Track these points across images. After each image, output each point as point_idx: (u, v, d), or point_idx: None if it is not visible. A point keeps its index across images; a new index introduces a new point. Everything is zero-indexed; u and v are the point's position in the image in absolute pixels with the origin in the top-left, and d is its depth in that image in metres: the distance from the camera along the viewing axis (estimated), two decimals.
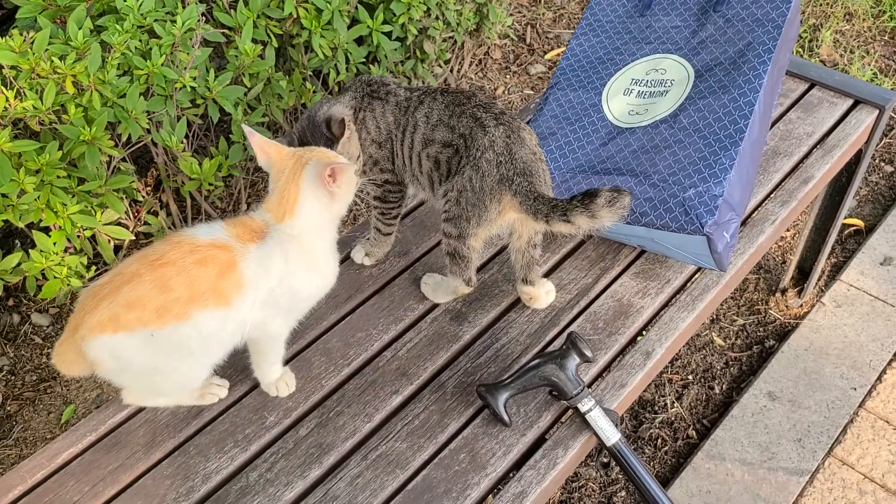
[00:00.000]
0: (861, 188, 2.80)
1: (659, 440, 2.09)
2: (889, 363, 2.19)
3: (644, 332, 1.47)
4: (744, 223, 1.65)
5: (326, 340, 1.45)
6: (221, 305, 1.20)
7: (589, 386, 1.38)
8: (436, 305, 1.51)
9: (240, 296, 1.21)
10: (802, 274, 2.38)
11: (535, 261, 1.44)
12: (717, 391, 2.20)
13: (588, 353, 1.31)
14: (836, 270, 2.48)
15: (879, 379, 2.16)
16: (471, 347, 1.44)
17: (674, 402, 2.17)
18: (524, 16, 3.52)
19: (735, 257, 1.58)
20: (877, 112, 1.89)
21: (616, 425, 1.32)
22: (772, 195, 1.72)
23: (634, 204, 1.45)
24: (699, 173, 1.44)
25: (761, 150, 1.60)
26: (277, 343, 1.33)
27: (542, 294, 1.49)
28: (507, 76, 3.33)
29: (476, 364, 1.41)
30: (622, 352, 1.44)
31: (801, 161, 1.79)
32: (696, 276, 1.56)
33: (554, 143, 1.60)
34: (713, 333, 2.35)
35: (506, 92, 3.25)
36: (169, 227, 2.56)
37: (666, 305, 1.52)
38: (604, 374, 1.41)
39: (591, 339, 1.44)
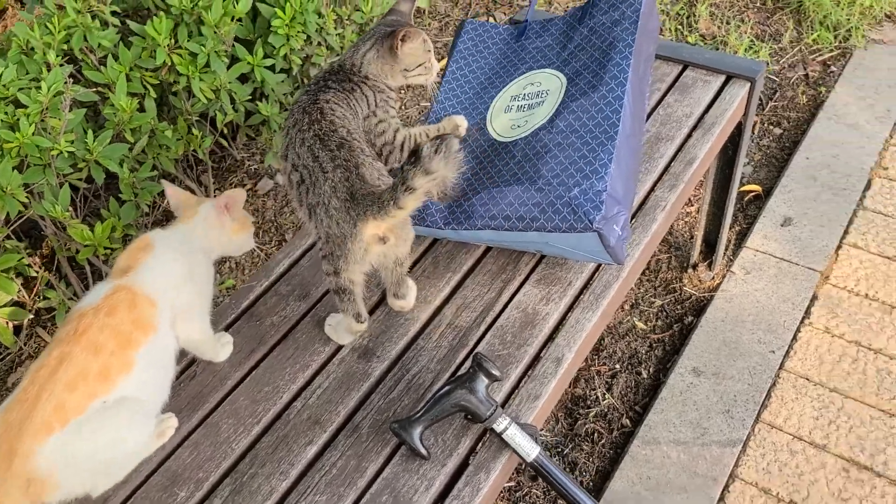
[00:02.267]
0: (755, 153, 2.88)
1: (595, 434, 2.11)
2: (801, 321, 2.26)
3: (552, 339, 1.47)
4: (636, 213, 1.68)
5: (233, 401, 1.40)
6: (150, 333, 1.27)
7: (504, 402, 1.37)
8: (343, 346, 1.48)
9: (157, 311, 1.29)
10: (709, 247, 2.44)
11: (404, 276, 1.46)
12: (645, 375, 2.23)
13: (496, 373, 1.30)
14: (742, 238, 2.55)
15: (795, 338, 2.22)
16: (382, 383, 1.41)
17: (605, 394, 2.18)
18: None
19: (631, 248, 1.60)
20: (748, 85, 1.94)
21: (535, 439, 1.31)
22: (660, 181, 1.74)
23: (524, 210, 1.46)
24: (581, 172, 1.46)
25: (640, 141, 1.63)
26: (207, 340, 1.43)
27: (412, 298, 1.52)
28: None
29: (389, 399, 1.38)
30: (533, 362, 1.44)
31: (684, 143, 1.83)
32: (597, 273, 1.57)
33: None
34: (634, 319, 2.38)
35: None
36: (70, 299, 2.45)
37: (571, 308, 1.52)
38: (518, 388, 1.40)
39: (501, 354, 1.44)
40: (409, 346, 1.47)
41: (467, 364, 1.43)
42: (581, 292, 1.55)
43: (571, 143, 1.49)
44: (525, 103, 1.61)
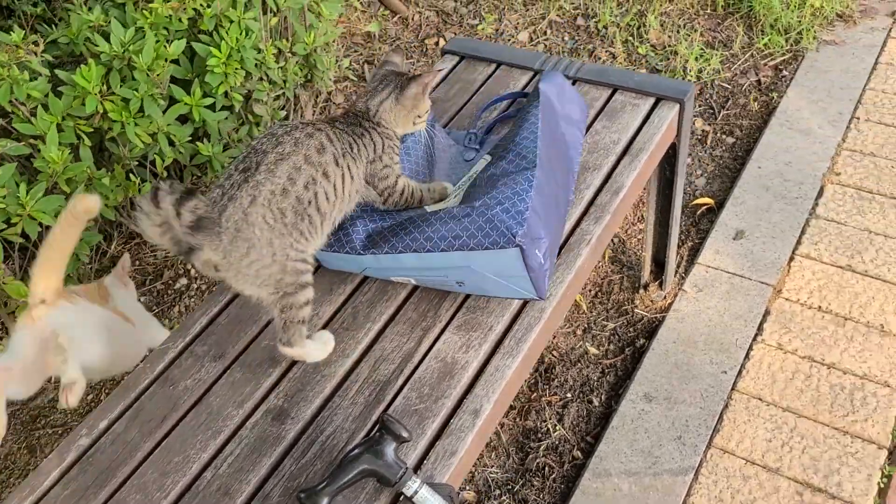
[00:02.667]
0: (708, 164, 2.85)
1: (546, 468, 2.06)
2: (754, 338, 2.22)
3: (471, 390, 1.43)
4: (561, 248, 1.64)
5: (142, 474, 1.36)
6: None
7: (420, 461, 1.33)
8: (256, 408, 1.44)
9: None
10: (659, 266, 2.40)
11: (293, 321, 1.41)
12: (597, 403, 2.19)
13: (404, 434, 1.26)
14: (695, 254, 2.51)
15: (747, 356, 2.18)
16: (295, 447, 1.37)
17: (556, 425, 2.14)
18: (361, 54, 3.48)
19: (555, 286, 1.56)
20: (678, 106, 1.91)
21: (452, 499, 1.27)
22: (586, 213, 1.71)
23: (446, 229, 1.45)
24: (503, 194, 1.46)
25: (567, 191, 1.62)
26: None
27: (309, 349, 1.47)
28: None
29: (301, 465, 1.34)
30: (451, 416, 1.39)
31: (611, 171, 1.79)
32: (519, 316, 1.53)
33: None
34: (587, 344, 2.34)
35: None
36: None
37: (491, 355, 1.48)
38: (434, 445, 1.36)
39: (418, 409, 1.39)
40: (324, 404, 1.43)
41: None
42: (502, 337, 1.50)
43: (492, 184, 1.50)
44: (459, 190, 1.65)
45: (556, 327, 1.61)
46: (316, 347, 1.49)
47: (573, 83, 2.02)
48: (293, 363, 1.50)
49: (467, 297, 1.57)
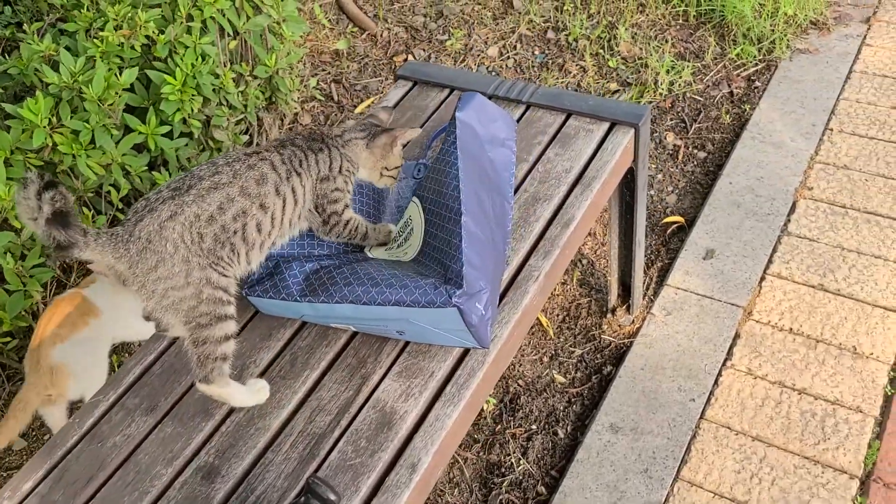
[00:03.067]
0: (679, 180, 2.79)
1: None
2: (723, 364, 2.16)
3: (410, 441, 1.37)
4: (508, 287, 1.57)
5: None
6: None
7: None
8: (185, 466, 1.37)
9: None
10: (627, 289, 2.34)
11: (210, 357, 1.35)
12: (562, 435, 2.13)
13: (331, 497, 1.20)
14: (664, 275, 2.45)
15: (716, 383, 2.12)
16: None
17: (520, 459, 2.08)
18: (329, 73, 3.42)
19: (500, 327, 1.50)
20: (632, 131, 1.85)
21: None
22: (535, 248, 1.65)
23: (385, 284, 1.39)
24: (435, 251, 1.44)
25: (505, 220, 1.56)
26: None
27: (234, 391, 1.41)
28: None
29: None
30: (388, 471, 1.33)
31: (563, 202, 1.73)
32: (463, 360, 1.47)
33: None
34: (553, 371, 2.28)
35: None
36: None
37: (432, 403, 1.42)
38: (371, 502, 1.29)
39: (353, 464, 1.33)
40: (257, 460, 1.37)
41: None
42: (444, 384, 1.44)
43: (424, 242, 1.49)
44: (400, 237, 1.59)
45: (504, 370, 1.54)
46: (242, 391, 1.42)
47: (526, 108, 1.97)
48: (227, 415, 1.44)
49: (409, 342, 1.51)
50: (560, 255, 1.64)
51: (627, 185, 1.97)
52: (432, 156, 1.86)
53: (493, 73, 3.27)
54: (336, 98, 3.34)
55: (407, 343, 1.50)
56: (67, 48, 2.41)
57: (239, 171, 1.40)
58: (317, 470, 1.34)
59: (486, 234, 1.43)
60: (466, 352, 1.49)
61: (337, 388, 1.45)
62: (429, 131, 1.94)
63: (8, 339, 2.29)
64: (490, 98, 2.01)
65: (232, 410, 1.45)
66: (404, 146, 1.64)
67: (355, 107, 3.30)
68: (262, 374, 1.50)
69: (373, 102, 3.24)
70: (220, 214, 1.36)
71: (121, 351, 2.49)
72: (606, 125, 1.88)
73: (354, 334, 1.54)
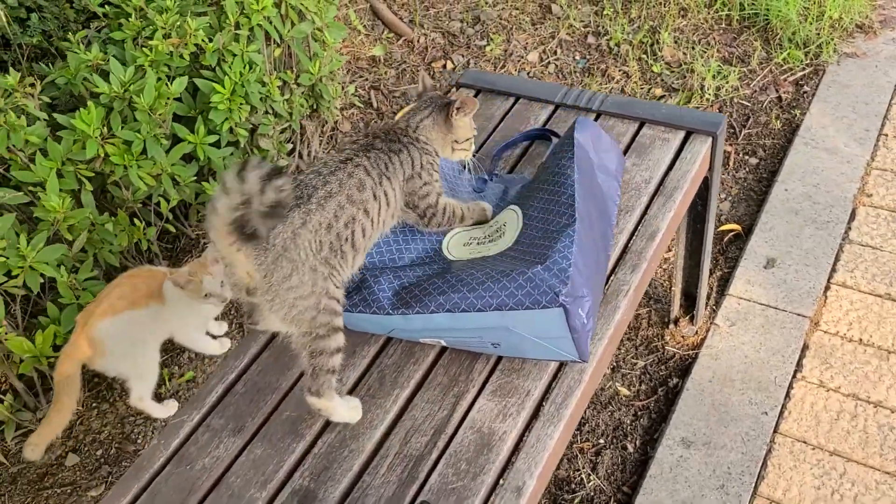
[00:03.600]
0: (732, 187, 2.75)
1: None
2: (794, 375, 2.12)
3: (511, 463, 1.32)
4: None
5: None
6: None
7: None
8: (280, 489, 1.33)
9: None
10: (690, 300, 2.29)
11: (323, 369, 1.34)
12: (632, 449, 2.08)
13: None
14: (724, 284, 2.41)
15: (788, 396, 2.08)
16: None
17: (590, 475, 2.04)
18: (366, 80, 3.39)
19: (594, 344, 1.46)
20: (710, 140, 1.81)
21: None
22: (621, 261, 1.60)
23: (483, 289, 1.35)
24: (543, 252, 1.37)
25: (608, 246, 1.52)
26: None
27: (338, 406, 1.39)
28: None
29: None
30: (490, 495, 1.29)
31: (644, 213, 1.69)
32: (557, 378, 1.43)
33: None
34: (616, 384, 2.23)
35: None
36: (19, 409, 2.31)
37: (530, 423, 1.38)
38: None
39: (456, 487, 1.29)
40: (354, 484, 1.33)
41: (418, 502, 1.28)
42: (541, 403, 1.40)
43: (530, 242, 1.42)
44: (486, 240, 1.55)
45: (596, 388, 1.50)
46: (343, 407, 1.40)
47: (597, 117, 1.93)
48: (318, 436, 1.40)
49: (500, 358, 1.47)
50: (647, 269, 1.60)
51: (700, 194, 1.93)
52: (502, 169, 1.82)
53: (534, 79, 3.23)
54: (375, 105, 3.30)
55: (498, 360, 1.46)
56: (115, 57, 2.37)
57: (342, 179, 1.39)
58: (417, 494, 1.30)
59: (592, 250, 1.40)
60: (560, 369, 1.45)
61: (430, 408, 1.41)
62: (497, 141, 1.90)
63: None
64: (559, 107, 1.97)
65: (322, 431, 1.41)
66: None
67: (395, 113, 3.26)
68: (350, 393, 1.46)
69: (410, 109, 3.21)
70: (335, 222, 1.36)
71: (169, 363, 2.45)
72: (682, 134, 1.84)
73: (442, 352, 1.50)
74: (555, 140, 1.83)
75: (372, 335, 1.54)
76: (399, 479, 1.32)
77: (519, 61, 3.33)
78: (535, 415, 1.39)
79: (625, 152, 1.82)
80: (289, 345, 1.52)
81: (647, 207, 1.71)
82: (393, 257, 1.54)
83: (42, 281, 2.15)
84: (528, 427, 1.38)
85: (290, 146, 2.89)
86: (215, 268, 2.05)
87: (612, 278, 1.57)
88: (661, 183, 1.75)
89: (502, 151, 1.86)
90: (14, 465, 2.28)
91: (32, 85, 2.31)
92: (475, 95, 2.07)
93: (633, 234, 1.66)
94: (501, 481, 1.31)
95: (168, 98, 2.35)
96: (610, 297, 1.54)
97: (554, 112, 1.97)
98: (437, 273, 1.45)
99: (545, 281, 1.30)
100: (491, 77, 2.11)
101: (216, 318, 2.43)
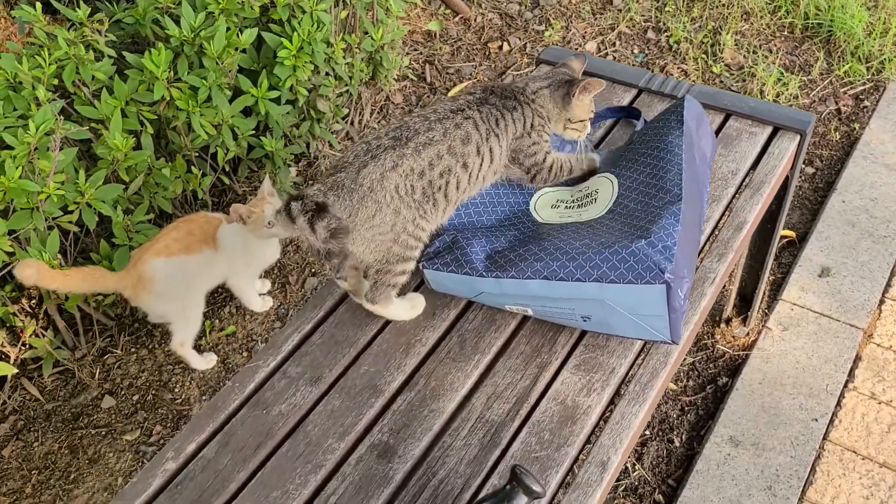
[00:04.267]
0: None
1: None
2: (845, 385, 2.11)
3: (595, 438, 1.31)
4: None
5: None
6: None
7: None
8: (359, 441, 1.32)
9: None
10: (744, 301, 2.28)
11: (384, 284, 1.42)
12: (678, 444, 2.07)
13: (537, 488, 1.14)
14: (777, 289, 2.39)
15: (839, 404, 2.07)
16: (405, 489, 1.25)
17: (635, 464, 2.02)
18: (421, 53, 3.36)
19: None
20: (798, 138, 1.79)
21: None
22: (708, 249, 1.59)
23: (583, 258, 1.33)
24: (648, 227, 1.34)
25: (699, 235, 1.50)
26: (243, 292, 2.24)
27: (395, 309, 1.47)
28: None
29: None
30: (573, 466, 1.28)
31: (730, 203, 1.67)
32: (642, 358, 1.42)
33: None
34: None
35: None
36: (58, 347, 2.29)
37: (614, 399, 1.36)
38: (558, 498, 1.24)
39: (539, 456, 1.28)
40: (433, 443, 1.31)
41: (501, 467, 1.27)
42: (625, 381, 1.39)
43: (633, 213, 1.40)
44: (575, 204, 1.54)
45: (676, 372, 1.49)
46: (402, 307, 1.47)
47: None
48: (397, 394, 1.38)
49: (584, 333, 1.45)
50: (732, 259, 1.58)
51: (776, 193, 1.91)
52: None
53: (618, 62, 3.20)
54: (428, 79, 3.27)
55: (582, 335, 1.45)
56: (186, 1, 2.34)
57: (448, 129, 1.39)
58: (499, 459, 1.28)
59: (691, 232, 1.38)
60: (644, 349, 1.43)
61: (512, 376, 1.39)
62: None
63: (104, 294, 2.23)
64: (642, 91, 1.95)
65: (402, 389, 1.39)
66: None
67: (448, 89, 3.24)
68: (429, 354, 1.44)
69: (466, 86, 3.18)
70: (430, 170, 1.37)
71: (210, 316, 2.43)
72: (769, 129, 1.82)
73: (523, 321, 1.48)
74: (639, 122, 1.81)
75: (452, 298, 1.52)
76: (481, 442, 1.30)
77: (576, 49, 3.31)
78: (619, 393, 1.38)
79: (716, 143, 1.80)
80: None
81: (734, 199, 1.69)
82: (481, 218, 1.52)
83: (96, 219, 2.12)
84: (610, 404, 1.36)
85: (345, 111, 2.86)
86: (273, 198, 2.03)
87: (699, 265, 1.56)
88: (748, 176, 1.73)
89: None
90: (49, 401, 2.26)
91: (101, 22, 2.28)
92: None
93: (718, 224, 1.64)
94: (585, 455, 1.29)
95: (236, 48, 2.32)
96: (696, 284, 1.52)
97: (637, 97, 1.94)
98: (530, 237, 1.43)
99: (650, 257, 1.28)
100: (570, 55, 2.08)
101: (260, 277, 2.41)
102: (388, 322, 1.49)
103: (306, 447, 1.31)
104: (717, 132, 1.83)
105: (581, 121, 1.55)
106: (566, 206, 1.53)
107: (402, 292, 1.49)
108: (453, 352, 1.44)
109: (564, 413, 1.33)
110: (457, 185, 1.42)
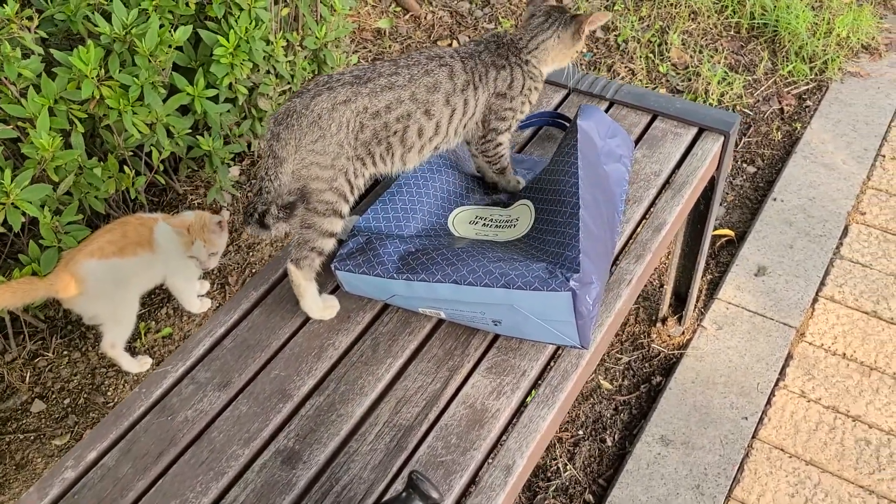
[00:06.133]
0: (728, 194, 2.75)
1: None
2: (776, 383, 2.12)
3: (502, 442, 1.30)
4: None
5: None
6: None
7: None
8: (264, 448, 1.30)
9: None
10: (679, 300, 2.29)
11: (307, 244, 1.43)
12: (610, 443, 2.07)
13: (434, 495, 1.13)
14: (714, 287, 2.41)
15: (769, 403, 2.08)
16: (307, 496, 1.24)
17: (566, 464, 2.03)
18: (370, 51, 3.33)
19: (593, 332, 1.44)
20: (722, 139, 1.80)
21: None
22: (625, 250, 1.59)
23: (493, 266, 1.34)
24: (552, 238, 1.38)
25: (614, 232, 1.50)
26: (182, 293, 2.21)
27: (311, 295, 1.47)
28: None
29: None
30: (479, 471, 1.27)
31: (651, 205, 1.68)
32: (554, 360, 1.41)
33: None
34: (599, 377, 2.22)
35: None
36: None
37: (524, 402, 1.36)
38: (462, 502, 1.23)
39: (444, 461, 1.27)
40: (340, 448, 1.30)
41: (406, 472, 1.26)
42: (536, 384, 1.38)
43: (542, 234, 1.43)
44: (493, 224, 1.54)
45: (590, 375, 1.48)
46: (316, 298, 1.46)
47: (610, 105, 1.91)
48: (306, 398, 1.37)
49: (497, 336, 1.44)
50: (651, 260, 1.58)
51: (704, 194, 1.92)
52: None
53: None
54: None
55: (495, 338, 1.44)
56: None
57: (415, 75, 1.40)
58: (404, 464, 1.27)
59: (600, 236, 1.38)
60: (556, 352, 1.43)
61: (423, 380, 1.38)
62: None
63: None
64: (571, 92, 1.95)
65: (311, 393, 1.37)
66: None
67: None
68: (341, 358, 1.42)
69: None
70: (386, 113, 1.39)
71: (146, 317, 2.40)
72: (694, 130, 1.83)
73: (438, 324, 1.47)
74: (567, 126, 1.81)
75: (368, 302, 1.50)
76: (387, 447, 1.29)
77: None
78: (529, 395, 1.37)
79: (636, 143, 1.80)
80: (282, 300, 1.50)
81: (655, 200, 1.69)
82: (399, 224, 1.51)
83: (23, 220, 2.08)
84: (520, 406, 1.36)
85: None
86: (213, 237, 2.01)
87: (615, 267, 1.56)
88: (671, 177, 1.74)
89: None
90: None
91: (30, 18, 2.23)
92: None
93: (639, 225, 1.64)
94: (491, 459, 1.29)
95: (170, 45, 2.28)
96: (612, 286, 1.52)
97: (566, 97, 1.94)
98: (444, 245, 1.42)
99: (557, 265, 1.29)
100: None
101: (200, 277, 2.38)
102: (301, 326, 1.47)
103: (210, 454, 1.29)
104: (643, 133, 1.83)
105: (583, 48, 1.59)
106: (483, 224, 1.53)
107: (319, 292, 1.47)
108: (366, 355, 1.42)
109: (473, 416, 1.32)
110: (418, 131, 1.42)
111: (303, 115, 1.35)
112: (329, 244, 1.43)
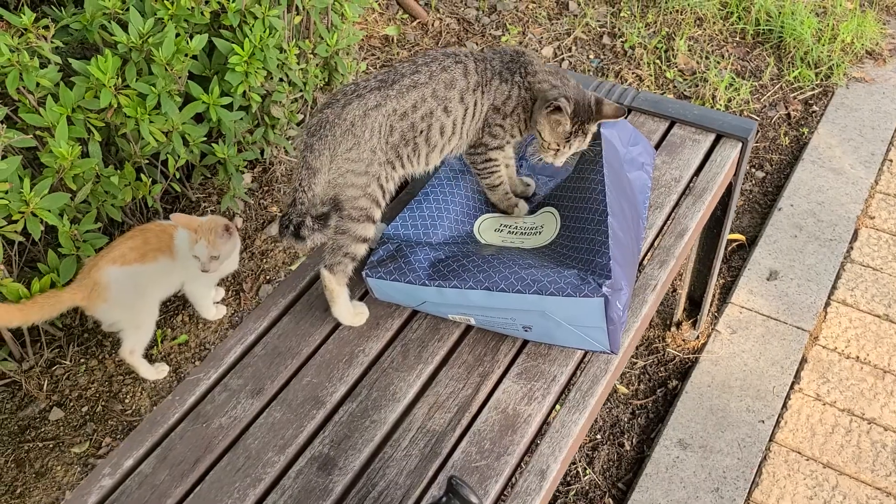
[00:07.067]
0: (737, 198, 2.77)
1: None
2: (791, 387, 2.14)
3: (535, 446, 1.32)
4: None
5: None
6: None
7: None
8: (299, 454, 1.31)
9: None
10: (694, 304, 2.31)
11: (340, 249, 1.44)
12: (628, 447, 2.09)
13: (474, 499, 1.14)
14: (726, 292, 2.43)
15: (785, 406, 2.10)
16: (344, 501, 1.25)
17: (585, 469, 2.04)
18: (378, 58, 3.35)
19: (623, 336, 1.46)
20: (740, 145, 1.82)
21: None
22: (648, 256, 1.61)
23: (524, 272, 1.34)
24: (582, 245, 1.39)
25: (638, 238, 1.52)
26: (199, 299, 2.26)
27: (343, 301, 1.48)
28: None
29: None
30: (513, 475, 1.28)
31: (673, 211, 1.70)
32: (583, 365, 1.43)
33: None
34: (615, 381, 2.24)
35: None
36: (4, 359, 2.25)
37: (554, 407, 1.37)
38: None
39: (479, 466, 1.28)
40: (374, 454, 1.31)
41: (441, 478, 1.27)
42: (566, 389, 1.40)
43: (571, 241, 1.44)
44: (518, 231, 1.55)
45: (617, 379, 1.50)
46: (347, 306, 1.48)
47: (628, 112, 1.93)
48: (339, 405, 1.38)
49: (526, 342, 1.46)
50: (674, 266, 1.60)
51: (721, 199, 1.95)
52: (532, 154, 1.81)
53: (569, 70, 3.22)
54: None
55: (525, 343, 1.46)
56: (135, 7, 2.31)
57: (434, 72, 1.42)
58: (439, 469, 1.28)
59: (626, 242, 1.39)
60: (585, 358, 1.44)
61: (454, 385, 1.40)
62: None
63: None
64: None
65: (343, 400, 1.38)
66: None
67: None
68: (372, 364, 1.44)
69: None
70: (412, 112, 1.41)
71: (162, 324, 2.41)
72: (712, 136, 1.85)
73: (467, 330, 1.48)
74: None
75: (396, 308, 1.52)
76: (421, 453, 1.30)
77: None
78: (560, 401, 1.39)
79: (656, 149, 1.82)
80: (311, 308, 1.51)
81: (676, 206, 1.71)
82: (427, 231, 1.52)
83: (42, 229, 2.09)
84: (552, 411, 1.37)
85: (300, 116, 2.85)
86: (220, 241, 2.02)
87: (640, 273, 1.58)
88: (691, 183, 1.76)
89: (532, 139, 1.84)
90: None
91: (47, 27, 2.24)
92: None
93: (661, 231, 1.66)
94: (524, 464, 1.30)
95: (186, 54, 2.29)
96: (638, 291, 1.54)
97: None
98: (473, 252, 1.44)
99: (589, 272, 1.31)
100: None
101: (216, 285, 2.39)
102: (331, 332, 1.49)
103: (246, 461, 1.30)
104: (662, 140, 1.85)
105: (548, 143, 1.47)
106: (509, 231, 1.55)
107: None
108: (396, 362, 1.44)
109: (505, 422, 1.34)
110: (440, 129, 1.44)
111: (336, 125, 1.36)
112: (362, 249, 1.44)
